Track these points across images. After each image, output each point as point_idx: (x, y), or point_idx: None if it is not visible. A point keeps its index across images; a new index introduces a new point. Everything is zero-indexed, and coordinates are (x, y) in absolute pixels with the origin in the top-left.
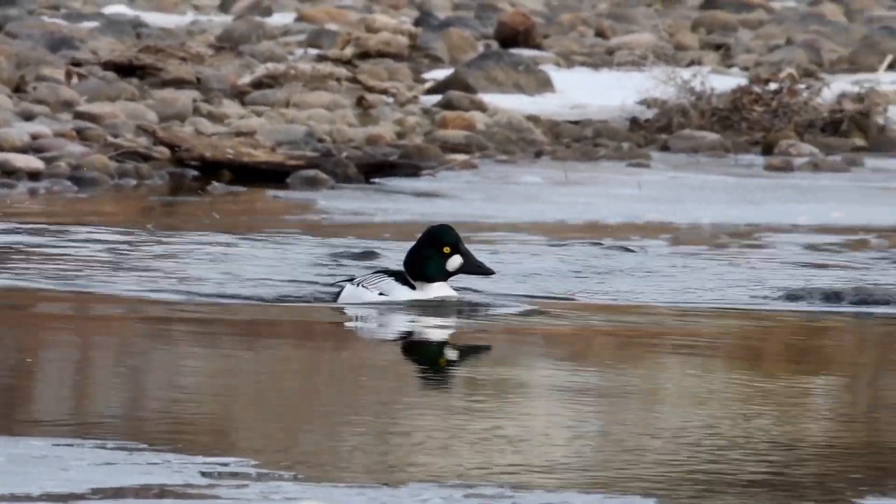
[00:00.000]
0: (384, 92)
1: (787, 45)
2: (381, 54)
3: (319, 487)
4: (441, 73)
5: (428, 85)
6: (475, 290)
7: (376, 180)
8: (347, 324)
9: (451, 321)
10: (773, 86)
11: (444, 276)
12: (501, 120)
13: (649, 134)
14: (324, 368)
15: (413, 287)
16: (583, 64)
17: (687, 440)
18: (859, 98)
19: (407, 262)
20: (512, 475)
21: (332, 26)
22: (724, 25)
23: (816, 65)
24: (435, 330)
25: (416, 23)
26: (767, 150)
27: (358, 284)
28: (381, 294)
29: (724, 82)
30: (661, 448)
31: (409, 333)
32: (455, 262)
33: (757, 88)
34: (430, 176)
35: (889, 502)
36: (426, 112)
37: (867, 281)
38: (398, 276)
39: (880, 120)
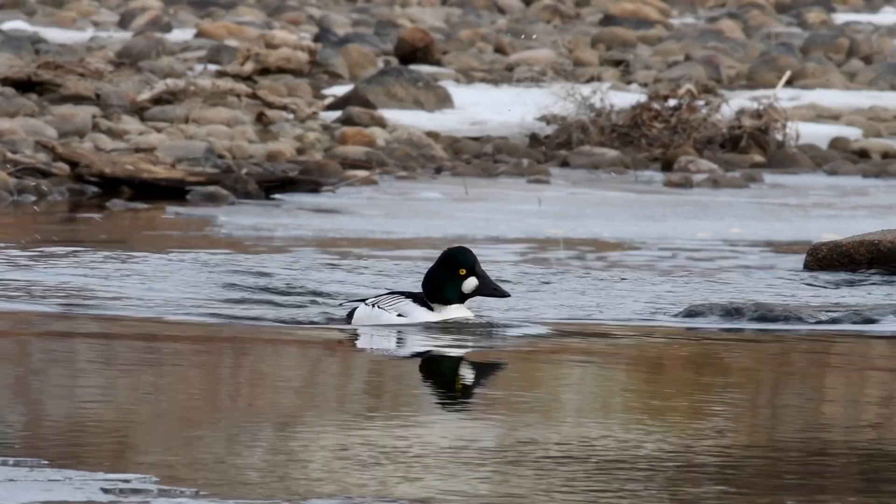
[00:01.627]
0: (284, 108)
1: (686, 62)
2: (281, 70)
3: None
4: (341, 90)
5: (328, 101)
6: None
7: (276, 196)
8: (324, 341)
9: (406, 341)
10: (672, 102)
11: (461, 298)
12: (401, 136)
13: (549, 150)
14: (229, 384)
15: (432, 309)
16: (482, 80)
17: (592, 457)
18: (758, 114)
19: (425, 284)
20: (414, 491)
21: (231, 42)
22: (624, 42)
23: (715, 81)
24: (365, 349)
25: (316, 39)
26: (667, 166)
27: (373, 305)
28: (399, 315)
29: (624, 98)
30: (563, 464)
31: (330, 351)
32: (470, 284)
33: (656, 105)
34: (330, 192)
35: None
36: (326, 128)
37: (765, 296)
38: (416, 298)
39: (779, 136)
